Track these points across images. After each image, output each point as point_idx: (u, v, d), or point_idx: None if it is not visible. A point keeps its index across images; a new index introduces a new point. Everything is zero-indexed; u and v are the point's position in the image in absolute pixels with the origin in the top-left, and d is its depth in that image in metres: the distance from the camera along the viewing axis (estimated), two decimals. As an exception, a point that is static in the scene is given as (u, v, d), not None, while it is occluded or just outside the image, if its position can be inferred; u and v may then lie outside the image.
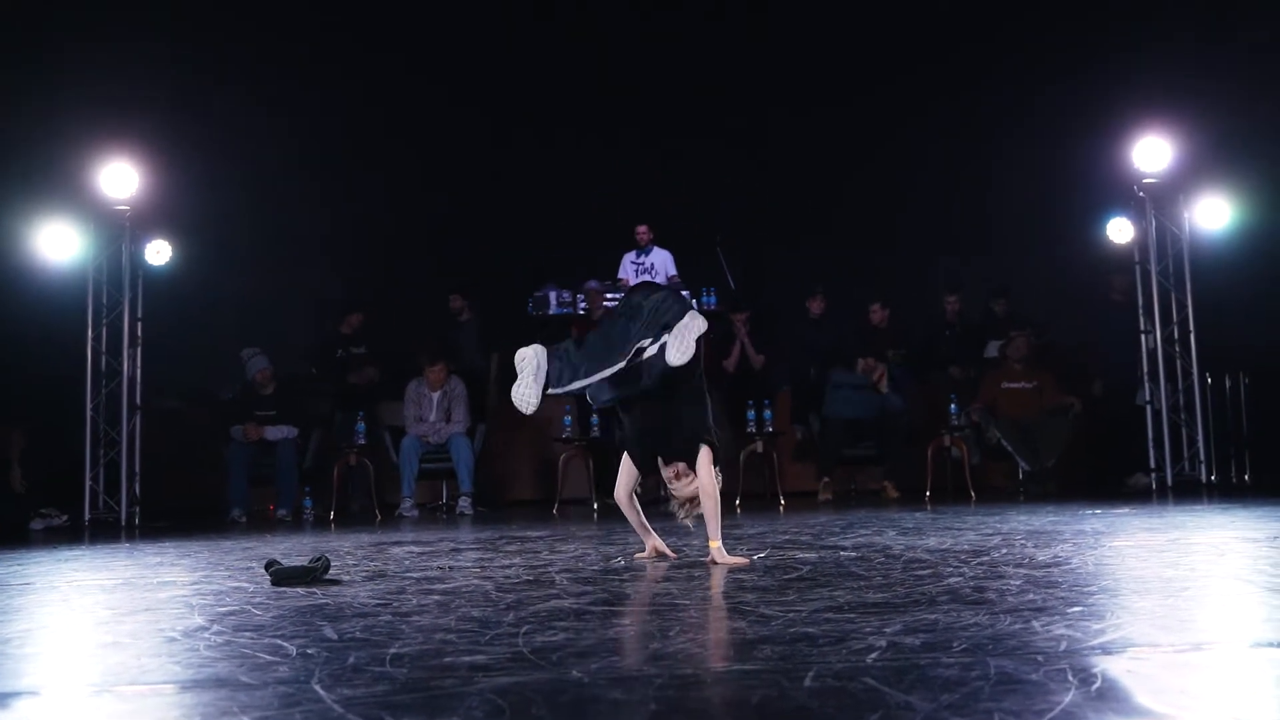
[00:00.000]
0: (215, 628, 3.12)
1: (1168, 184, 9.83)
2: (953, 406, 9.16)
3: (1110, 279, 10.37)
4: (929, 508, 7.75)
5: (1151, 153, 9.70)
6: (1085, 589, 3.31)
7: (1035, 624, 2.69)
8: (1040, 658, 2.30)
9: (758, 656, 2.45)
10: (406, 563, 4.82)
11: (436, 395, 9.46)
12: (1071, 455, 9.52)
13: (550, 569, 4.35)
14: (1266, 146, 9.68)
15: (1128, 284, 10.14)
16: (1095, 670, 2.18)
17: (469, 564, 4.70)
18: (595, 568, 4.40)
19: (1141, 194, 9.85)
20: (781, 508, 8.49)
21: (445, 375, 9.46)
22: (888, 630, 2.67)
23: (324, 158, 11.58)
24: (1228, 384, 10.13)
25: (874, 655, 2.39)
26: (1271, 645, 2.55)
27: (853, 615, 2.92)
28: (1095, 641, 2.49)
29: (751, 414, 9.19)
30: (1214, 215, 9.80)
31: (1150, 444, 9.68)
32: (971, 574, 3.71)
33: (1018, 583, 3.45)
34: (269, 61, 11.29)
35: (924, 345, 10.80)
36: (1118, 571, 3.82)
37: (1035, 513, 6.65)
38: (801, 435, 9.98)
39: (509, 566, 4.49)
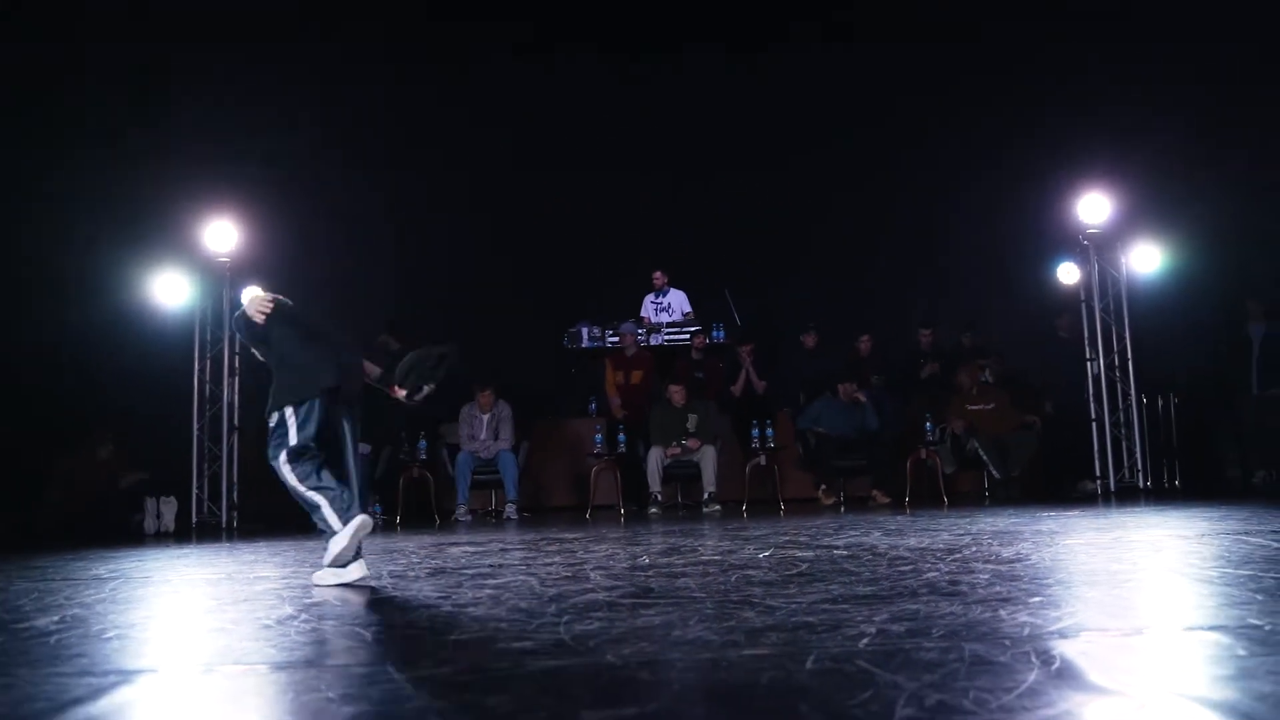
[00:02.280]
0: (303, 616, 3.12)
1: (1108, 233, 9.84)
2: (928, 424, 9.11)
3: (1057, 319, 10.34)
4: (909, 512, 7.69)
5: (1094, 206, 9.74)
6: (1044, 581, 3.28)
7: (1002, 612, 2.67)
8: (1007, 642, 2.28)
9: (765, 643, 2.44)
10: (463, 560, 4.82)
11: (486, 417, 9.47)
12: (1030, 465, 9.47)
13: (585, 566, 4.34)
14: (1190, 201, 9.67)
15: (1072, 323, 10.11)
16: (1054, 652, 2.16)
17: (516, 562, 4.69)
18: (624, 565, 4.38)
19: (1086, 242, 9.86)
20: (782, 512, 8.44)
21: (493, 399, 9.47)
22: (876, 619, 2.65)
23: (399, 209, 11.67)
24: (1161, 404, 10.07)
25: (865, 641, 2.37)
26: (1202, 629, 2.52)
27: (846, 606, 2.90)
28: (1054, 627, 2.46)
29: (755, 431, 9.17)
30: (1147, 260, 9.80)
31: (1095, 455, 9.62)
32: (947, 569, 3.68)
33: (986, 576, 3.42)
34: (350, 128, 11.40)
35: (903, 371, 10.77)
36: (1070, 565, 3.78)
37: (1000, 515, 6.60)
38: (800, 450, 9.94)
39: (550, 564, 4.48)
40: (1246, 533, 4.60)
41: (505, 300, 11.81)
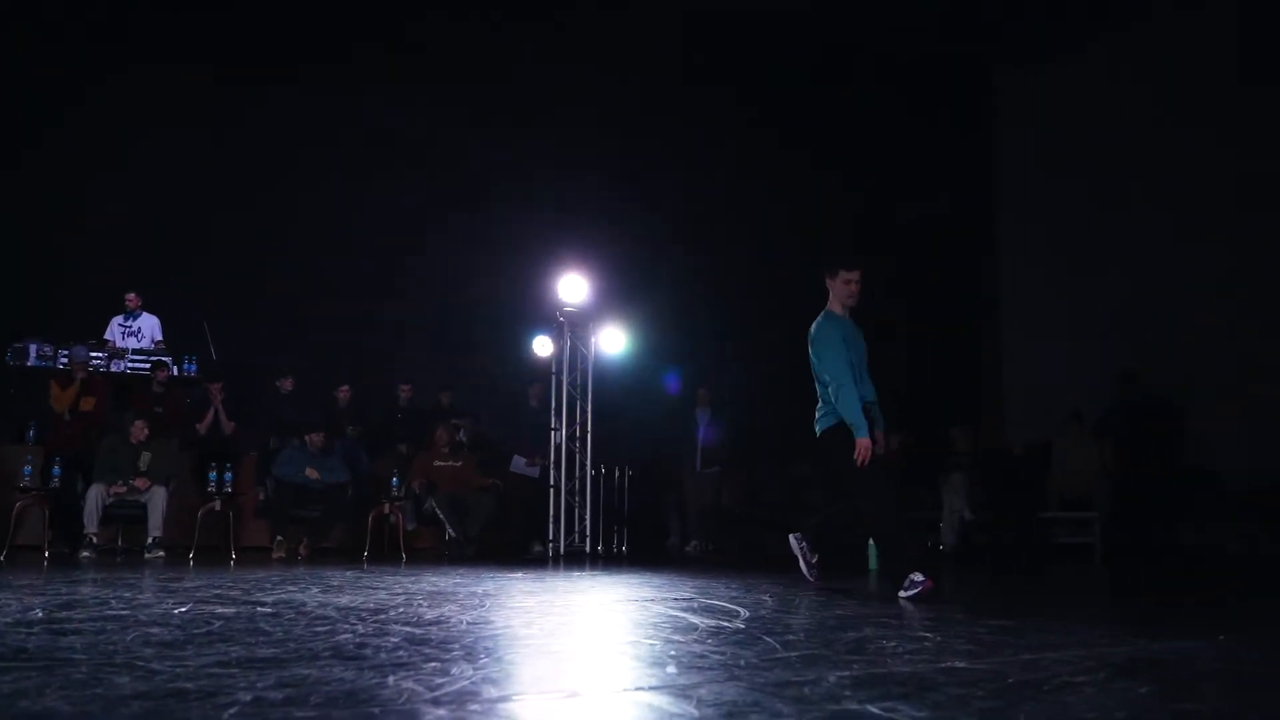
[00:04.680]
0: None
1: (583, 313, 10.55)
2: (395, 479, 9.13)
3: (530, 388, 10.90)
4: (365, 567, 7.60)
5: (572, 286, 10.37)
6: (449, 646, 3.33)
7: (391, 679, 2.66)
8: (377, 710, 2.27)
9: (122, 714, 2.22)
10: None
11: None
12: (493, 526, 9.80)
13: (-45, 620, 3.74)
14: (650, 292, 10.76)
15: (543, 391, 10.71)
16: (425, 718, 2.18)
17: None
18: (9, 620, 3.84)
19: (561, 318, 10.49)
20: (233, 562, 7.97)
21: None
22: (259, 685, 2.52)
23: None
24: (616, 475, 10.92)
25: (232, 711, 2.24)
26: (638, 689, 2.64)
27: (237, 670, 2.74)
28: (433, 694, 2.49)
29: (213, 474, 8.62)
30: (613, 341, 10.64)
31: (550, 519, 10.18)
32: (363, 630, 3.63)
33: (396, 639, 3.41)
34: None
35: (378, 425, 10.75)
36: (487, 630, 3.90)
37: (448, 574, 6.70)
38: (262, 496, 9.49)
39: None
40: (664, 599, 5.05)
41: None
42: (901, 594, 4.95)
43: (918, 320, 13.16)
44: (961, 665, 2.98)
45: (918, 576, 4.94)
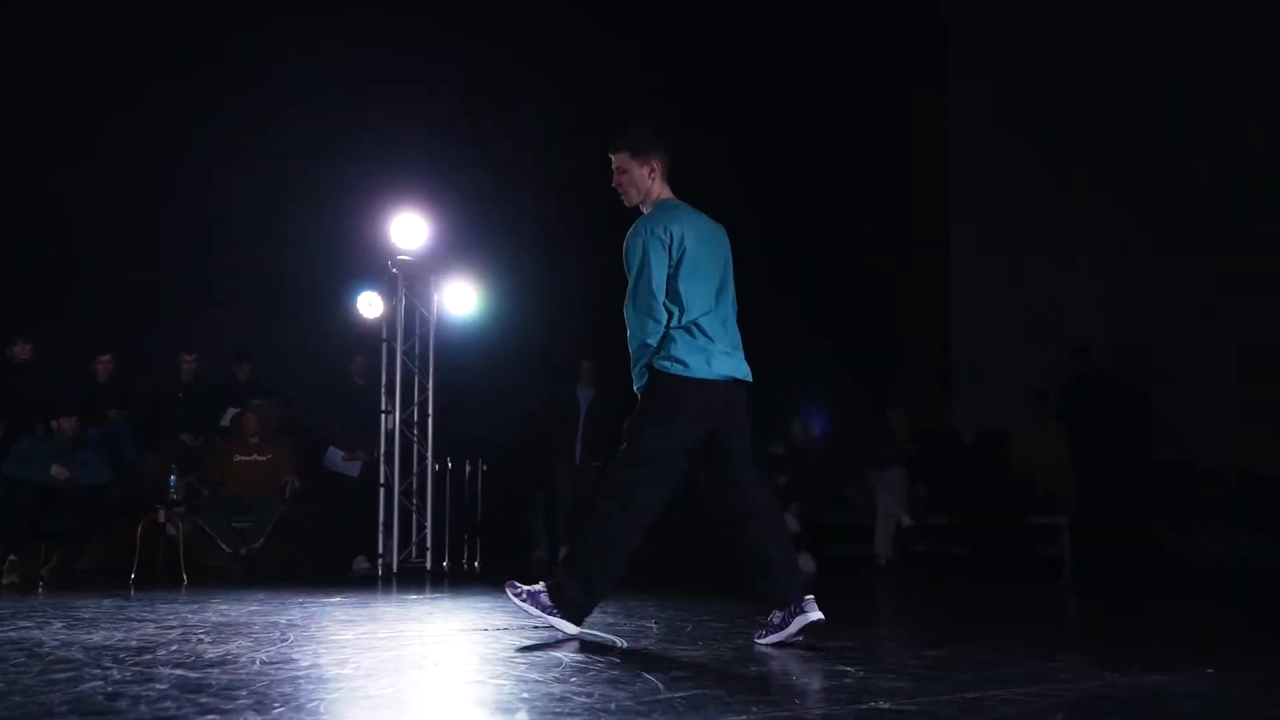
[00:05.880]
0: None
1: (421, 263, 10.35)
2: (172, 477, 8.90)
3: (352, 361, 10.72)
4: (132, 592, 7.42)
5: (408, 229, 10.12)
6: (233, 693, 3.26)
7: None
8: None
9: None
10: None
11: None
12: (294, 535, 9.66)
13: None
14: (509, 237, 10.68)
15: (368, 366, 10.55)
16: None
17: None
18: None
19: (395, 270, 10.28)
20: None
21: None
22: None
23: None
24: (467, 470, 10.83)
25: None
26: None
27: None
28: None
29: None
30: (462, 299, 10.50)
31: (380, 528, 10.04)
32: (119, 677, 3.52)
33: (164, 687, 3.32)
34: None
35: (152, 407, 10.48)
36: (286, 670, 3.82)
37: (242, 599, 6.59)
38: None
39: None
40: (521, 628, 5.03)
41: None
42: (520, 602, 4.58)
43: (844, 276, 13.40)
44: (886, 706, 3.04)
45: (562, 619, 4.55)
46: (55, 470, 8.79)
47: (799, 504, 10.43)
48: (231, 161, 11.54)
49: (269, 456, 9.63)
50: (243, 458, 9.58)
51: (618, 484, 4.56)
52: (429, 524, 10.32)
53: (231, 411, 10.41)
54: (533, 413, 11.57)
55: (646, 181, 4.73)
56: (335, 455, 10.52)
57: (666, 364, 4.50)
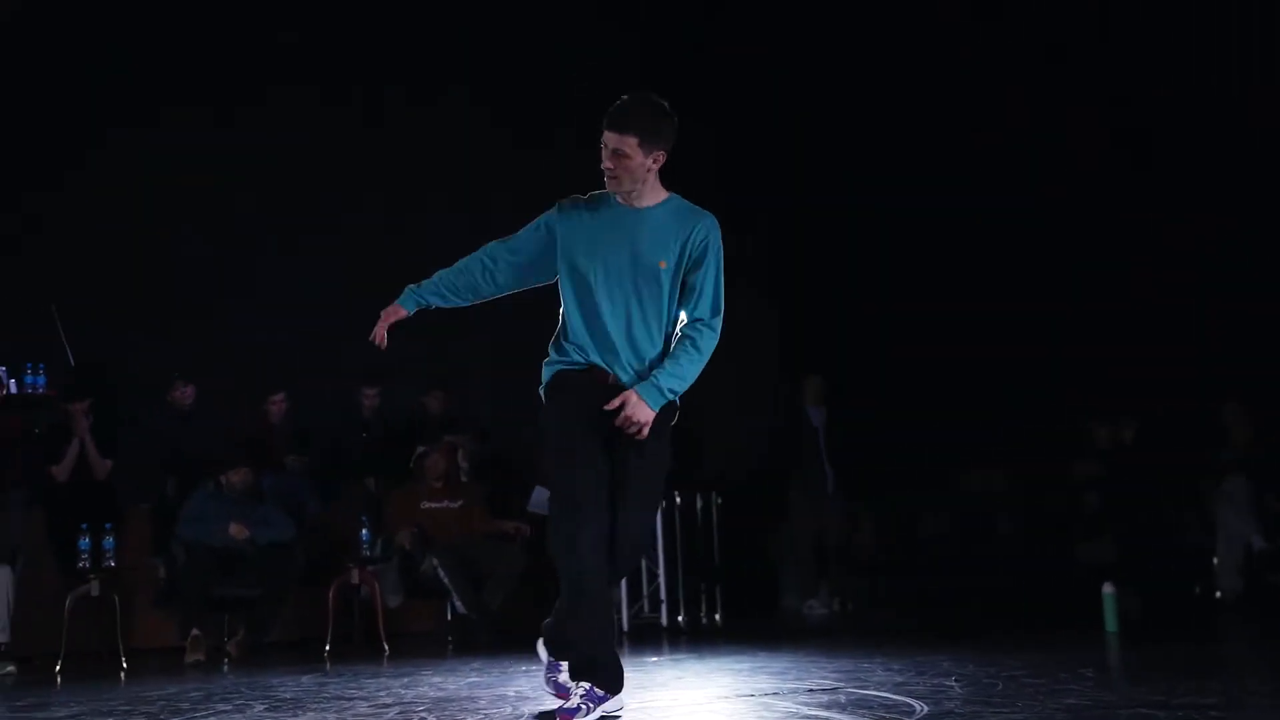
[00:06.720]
0: None
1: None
2: (364, 531, 9.01)
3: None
4: (328, 665, 7.61)
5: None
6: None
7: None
8: None
9: None
10: None
11: None
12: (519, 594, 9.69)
13: None
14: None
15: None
16: None
17: None
18: None
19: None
20: (124, 672, 7.94)
21: None
22: None
23: None
24: (700, 504, 10.74)
25: None
26: None
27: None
28: None
29: (86, 542, 8.55)
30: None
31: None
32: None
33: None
34: None
35: (331, 449, 10.69)
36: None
37: (457, 671, 6.67)
38: (164, 571, 9.43)
39: None
40: (792, 692, 4.89)
41: None
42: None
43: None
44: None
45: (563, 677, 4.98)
46: (234, 530, 8.96)
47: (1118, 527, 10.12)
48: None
49: (461, 503, 9.66)
50: (430, 505, 9.59)
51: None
52: (661, 572, 10.25)
53: (420, 450, 10.51)
54: (763, 437, 11.53)
55: (644, 173, 4.66)
56: (542, 496, 10.52)
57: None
